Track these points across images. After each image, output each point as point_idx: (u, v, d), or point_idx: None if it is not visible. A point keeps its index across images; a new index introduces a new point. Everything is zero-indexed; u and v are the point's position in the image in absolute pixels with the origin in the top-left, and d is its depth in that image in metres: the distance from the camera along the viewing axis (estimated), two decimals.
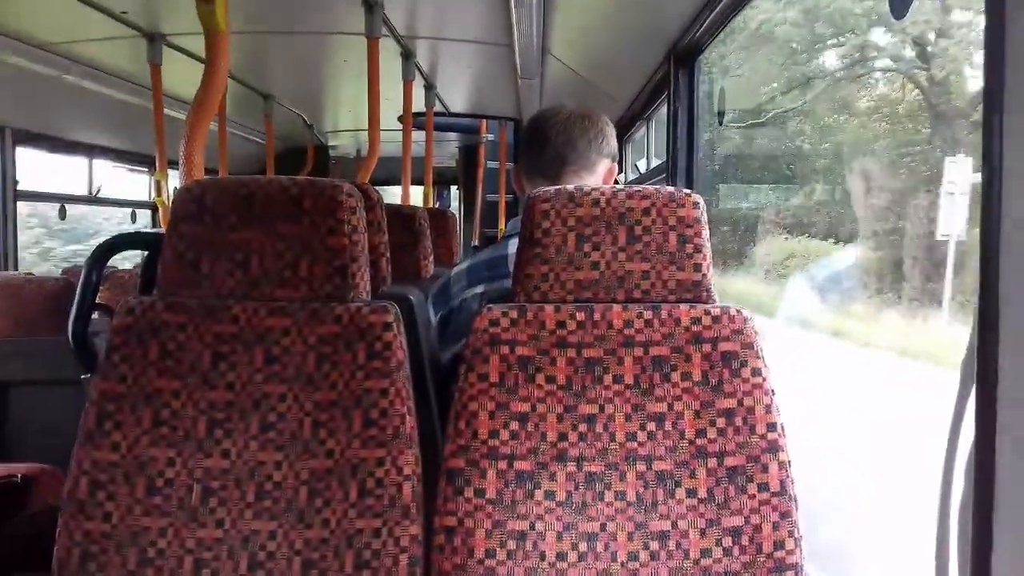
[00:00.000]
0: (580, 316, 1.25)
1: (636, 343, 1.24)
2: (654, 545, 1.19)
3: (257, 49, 3.97)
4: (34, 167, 4.23)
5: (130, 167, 5.25)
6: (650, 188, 1.29)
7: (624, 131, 4.35)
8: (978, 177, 0.95)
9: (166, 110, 3.78)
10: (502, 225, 6.74)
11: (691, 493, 1.21)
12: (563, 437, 1.22)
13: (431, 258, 2.52)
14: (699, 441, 1.22)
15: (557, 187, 1.30)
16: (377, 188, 1.78)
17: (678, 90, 2.82)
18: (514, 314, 1.25)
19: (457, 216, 6.04)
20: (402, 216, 2.41)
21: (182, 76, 3.55)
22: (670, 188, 1.30)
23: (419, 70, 4.32)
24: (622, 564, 1.19)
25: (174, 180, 3.96)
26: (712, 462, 1.21)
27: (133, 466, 1.24)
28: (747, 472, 1.21)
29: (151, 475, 1.24)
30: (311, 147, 6.78)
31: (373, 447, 1.24)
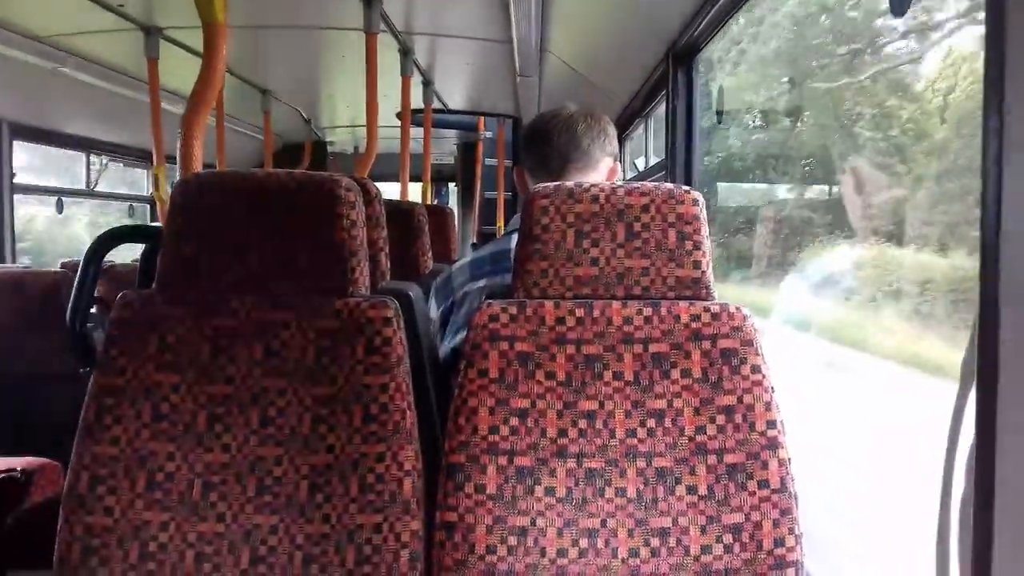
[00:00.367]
0: (579, 312, 1.25)
1: (635, 340, 1.24)
2: (655, 542, 1.20)
3: (255, 44, 3.96)
4: (30, 161, 4.21)
5: (127, 162, 5.23)
6: (649, 185, 1.29)
7: (623, 129, 4.34)
8: None
9: (164, 105, 3.77)
10: (500, 222, 6.74)
11: (691, 490, 1.21)
12: (563, 433, 1.22)
13: (429, 254, 2.52)
14: (699, 438, 1.22)
15: (557, 183, 1.30)
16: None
17: (677, 88, 2.82)
18: (513, 310, 1.25)
19: (455, 213, 6.04)
20: (401, 212, 2.41)
21: (180, 70, 3.54)
22: (669, 185, 1.30)
23: (417, 66, 4.32)
24: (623, 560, 1.19)
25: (172, 175, 3.95)
26: (712, 459, 1.21)
27: (133, 460, 1.24)
28: (747, 469, 1.21)
29: (151, 469, 1.24)
30: (309, 143, 6.77)
31: (373, 442, 1.24)
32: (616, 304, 1.26)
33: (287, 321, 1.28)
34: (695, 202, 1.28)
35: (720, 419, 1.22)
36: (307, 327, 1.27)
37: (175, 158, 1.90)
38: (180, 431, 1.25)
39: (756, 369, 1.24)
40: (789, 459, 1.22)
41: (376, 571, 1.21)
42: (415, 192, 5.76)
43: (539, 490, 1.20)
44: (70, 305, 1.72)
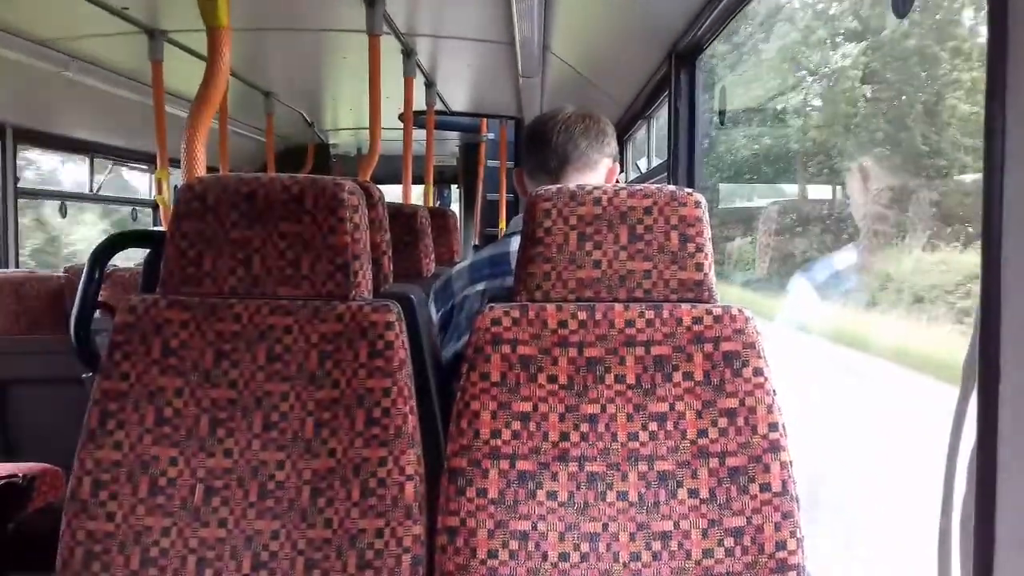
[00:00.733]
0: (582, 315, 1.25)
1: (638, 343, 1.24)
2: (656, 545, 1.19)
3: (258, 46, 3.97)
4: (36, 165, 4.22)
5: (131, 165, 5.25)
6: (652, 187, 1.29)
7: (625, 130, 4.34)
8: None
9: (167, 107, 3.78)
10: (502, 224, 6.74)
11: (693, 493, 1.21)
12: (565, 437, 1.22)
13: (432, 257, 2.52)
14: (701, 441, 1.22)
15: (559, 186, 1.30)
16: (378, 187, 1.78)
17: (679, 89, 2.82)
18: (516, 313, 1.25)
19: (457, 215, 6.04)
20: (403, 215, 2.41)
21: (183, 73, 3.54)
22: (672, 187, 1.29)
23: (420, 68, 4.32)
24: (624, 564, 1.19)
25: (175, 178, 3.96)
26: (714, 462, 1.21)
27: (136, 465, 1.24)
28: (749, 472, 1.21)
29: (154, 474, 1.24)
30: (312, 145, 6.77)
31: (375, 446, 1.24)
32: (618, 307, 1.26)
33: (290, 325, 1.28)
34: (697, 204, 1.27)
35: (722, 422, 1.22)
36: (310, 331, 1.27)
37: (178, 161, 1.90)
38: (183, 436, 1.25)
39: (758, 372, 1.23)
40: (791, 462, 1.22)
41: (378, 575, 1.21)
42: (417, 194, 5.77)
43: (541, 494, 1.20)
44: (74, 310, 1.72)
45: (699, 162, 2.83)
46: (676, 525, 1.20)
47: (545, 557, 1.19)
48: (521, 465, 1.21)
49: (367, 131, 3.62)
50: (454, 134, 6.95)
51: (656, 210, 1.27)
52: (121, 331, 1.28)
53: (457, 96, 5.42)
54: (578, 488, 1.21)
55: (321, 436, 1.24)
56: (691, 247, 1.27)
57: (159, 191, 3.86)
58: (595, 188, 1.28)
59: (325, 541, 1.22)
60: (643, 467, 1.21)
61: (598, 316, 1.25)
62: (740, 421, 1.22)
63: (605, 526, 1.20)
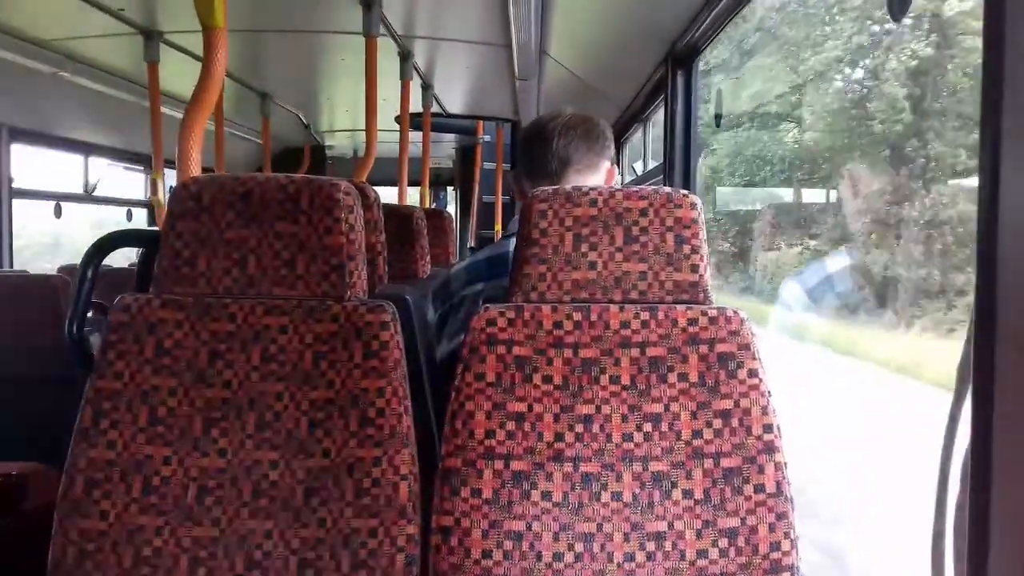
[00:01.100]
0: (577, 316, 1.25)
1: (633, 344, 1.24)
2: (650, 546, 1.19)
3: (254, 47, 3.96)
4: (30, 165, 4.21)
5: (126, 166, 5.23)
6: (648, 189, 1.29)
7: (622, 133, 4.35)
8: None
9: (163, 108, 3.77)
10: (498, 226, 6.74)
11: (687, 494, 1.21)
12: (560, 437, 1.22)
13: (428, 258, 2.51)
14: (695, 442, 1.22)
15: (555, 187, 1.30)
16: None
17: (676, 91, 2.82)
18: (511, 314, 1.25)
19: (454, 217, 6.04)
20: (399, 216, 2.41)
21: (179, 74, 3.54)
22: (668, 189, 1.30)
23: (417, 70, 4.32)
24: (618, 565, 1.19)
25: (171, 179, 3.95)
26: (708, 463, 1.21)
27: (129, 465, 1.24)
28: (743, 473, 1.21)
29: (147, 474, 1.23)
30: (308, 147, 6.77)
31: (370, 446, 1.23)
32: (614, 308, 1.26)
33: (284, 325, 1.27)
34: (693, 206, 1.27)
35: (717, 423, 1.22)
36: (304, 331, 1.27)
37: (174, 162, 1.90)
38: (176, 436, 1.24)
39: (753, 373, 1.24)
40: (785, 463, 1.22)
41: (372, 575, 1.21)
42: (414, 196, 5.76)
43: (535, 494, 1.20)
44: (68, 309, 1.72)
45: (695, 164, 2.84)
46: (670, 526, 1.20)
47: (539, 557, 1.19)
48: (516, 465, 1.21)
49: (363, 133, 3.62)
50: (450, 136, 6.95)
51: (652, 212, 1.27)
52: (115, 330, 1.28)
53: (453, 98, 5.42)
54: (573, 488, 1.20)
55: (315, 436, 1.24)
56: (687, 249, 1.27)
57: (154, 192, 3.85)
58: (591, 189, 1.28)
59: (319, 541, 1.21)
60: (638, 468, 1.21)
61: (593, 317, 1.25)
62: (735, 422, 1.22)
63: (599, 526, 1.20)
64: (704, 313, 1.25)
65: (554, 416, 1.22)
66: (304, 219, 1.30)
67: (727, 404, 1.22)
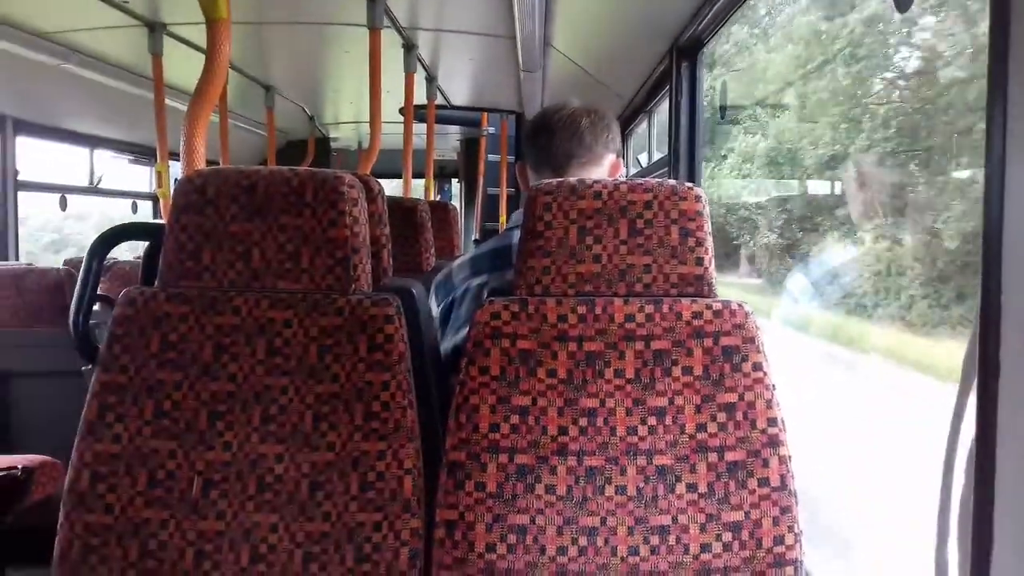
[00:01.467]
0: (581, 310, 1.25)
1: (637, 337, 1.24)
2: (654, 540, 1.19)
3: (259, 40, 3.96)
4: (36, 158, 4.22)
5: (131, 158, 5.24)
6: (652, 181, 1.28)
7: (626, 125, 4.34)
8: None
9: (167, 100, 3.77)
10: (503, 218, 6.73)
11: (691, 488, 1.21)
12: (564, 431, 1.22)
13: (432, 251, 2.51)
14: (700, 436, 1.22)
15: (559, 180, 1.30)
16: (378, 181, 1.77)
17: (680, 83, 2.81)
18: (515, 307, 1.25)
19: (458, 209, 6.03)
20: (403, 209, 2.41)
21: (183, 66, 3.54)
22: (672, 181, 1.29)
23: (421, 62, 4.31)
24: (622, 558, 1.19)
25: (175, 172, 3.96)
26: (712, 457, 1.21)
27: (135, 458, 1.24)
28: (747, 467, 1.21)
29: (152, 467, 1.24)
30: (312, 139, 6.77)
31: (374, 440, 1.24)
32: (618, 301, 1.25)
33: (289, 319, 1.28)
34: (698, 198, 1.27)
35: (721, 416, 1.22)
36: (309, 324, 1.27)
37: (178, 155, 1.90)
38: (182, 429, 1.25)
39: (758, 366, 1.23)
40: (789, 457, 1.22)
41: (376, 569, 1.21)
42: (418, 188, 5.76)
43: (539, 488, 1.20)
44: (73, 302, 1.72)
45: (700, 157, 2.83)
46: (674, 519, 1.20)
47: (543, 551, 1.19)
48: (520, 459, 1.21)
49: (368, 125, 3.62)
50: (455, 128, 6.94)
51: (656, 204, 1.26)
52: (120, 323, 1.28)
53: (458, 90, 5.41)
54: (576, 482, 1.21)
55: (320, 430, 1.24)
56: (691, 241, 1.26)
57: (159, 184, 3.86)
58: (595, 182, 1.28)
59: (323, 534, 1.22)
60: (642, 461, 1.21)
61: (598, 310, 1.25)
62: (739, 416, 1.22)
63: (603, 520, 1.20)
64: (709, 306, 1.25)
65: (558, 410, 1.22)
66: (308, 212, 1.30)
67: (731, 397, 1.22)
